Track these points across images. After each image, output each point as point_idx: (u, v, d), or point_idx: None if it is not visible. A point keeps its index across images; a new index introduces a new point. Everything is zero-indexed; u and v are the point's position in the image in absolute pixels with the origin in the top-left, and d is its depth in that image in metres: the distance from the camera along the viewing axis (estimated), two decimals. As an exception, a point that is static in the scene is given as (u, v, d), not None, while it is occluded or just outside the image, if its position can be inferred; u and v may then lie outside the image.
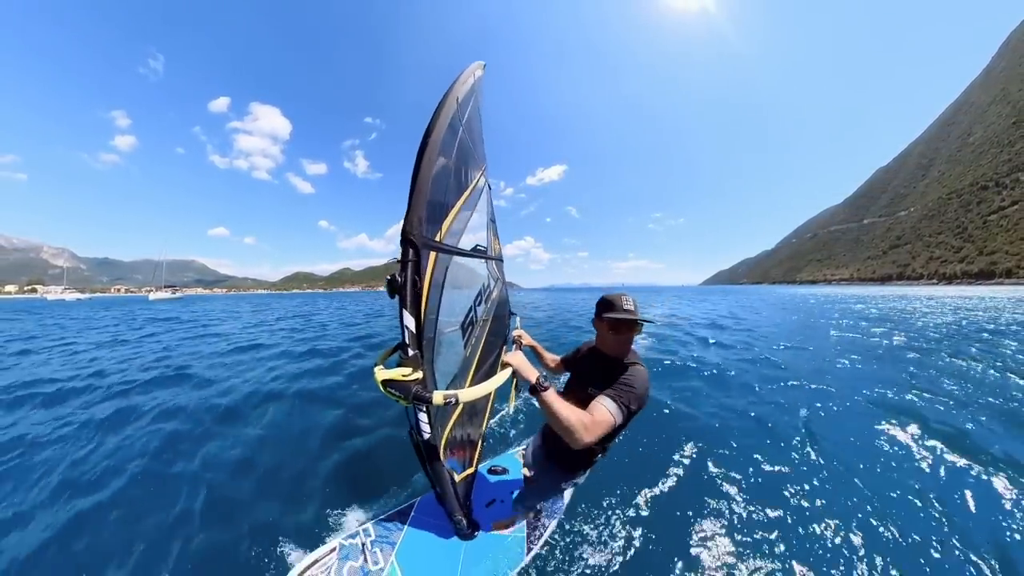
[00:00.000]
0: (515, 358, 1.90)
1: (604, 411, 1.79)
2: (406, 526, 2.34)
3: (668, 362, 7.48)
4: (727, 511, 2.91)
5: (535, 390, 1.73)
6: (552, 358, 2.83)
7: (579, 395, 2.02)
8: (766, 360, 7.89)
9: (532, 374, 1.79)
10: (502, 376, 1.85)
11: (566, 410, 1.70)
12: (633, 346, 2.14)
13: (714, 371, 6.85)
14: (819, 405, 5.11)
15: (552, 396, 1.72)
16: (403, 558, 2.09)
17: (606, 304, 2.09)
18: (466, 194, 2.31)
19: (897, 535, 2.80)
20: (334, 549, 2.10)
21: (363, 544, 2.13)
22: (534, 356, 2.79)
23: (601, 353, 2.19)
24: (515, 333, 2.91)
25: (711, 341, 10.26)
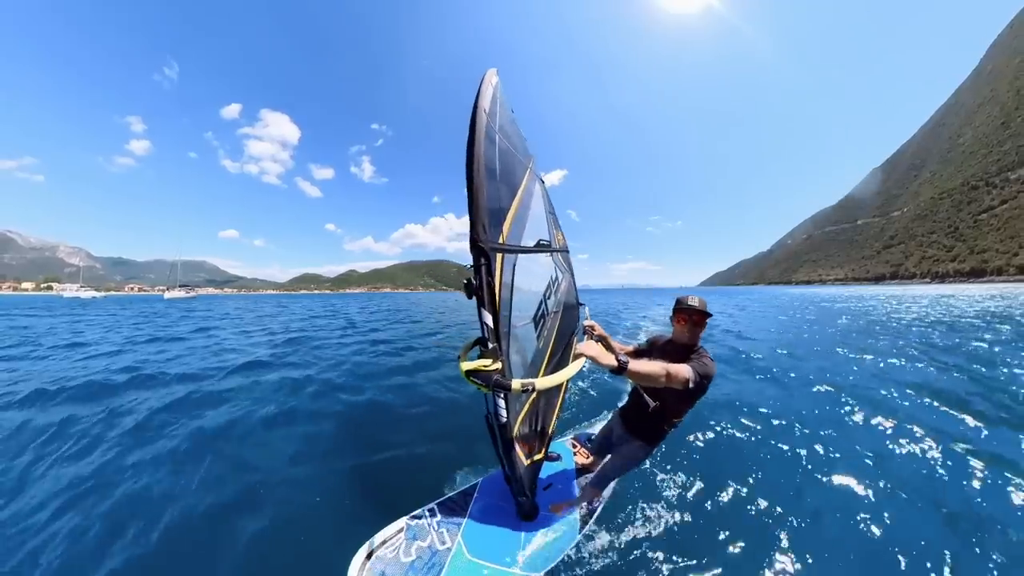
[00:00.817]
0: (590, 347, 1.98)
1: (683, 367, 2.07)
2: (470, 507, 2.41)
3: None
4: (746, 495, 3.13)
5: (620, 370, 1.88)
6: (622, 347, 2.97)
7: None
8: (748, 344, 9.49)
9: (609, 358, 1.90)
10: (576, 366, 1.90)
11: (649, 367, 1.96)
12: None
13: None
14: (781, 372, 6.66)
15: (636, 365, 1.92)
16: (469, 537, 2.15)
17: (676, 302, 2.47)
18: (519, 194, 2.38)
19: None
20: (401, 529, 2.15)
21: (429, 524, 2.20)
22: (607, 347, 2.85)
23: (676, 343, 2.50)
24: (586, 323, 2.97)
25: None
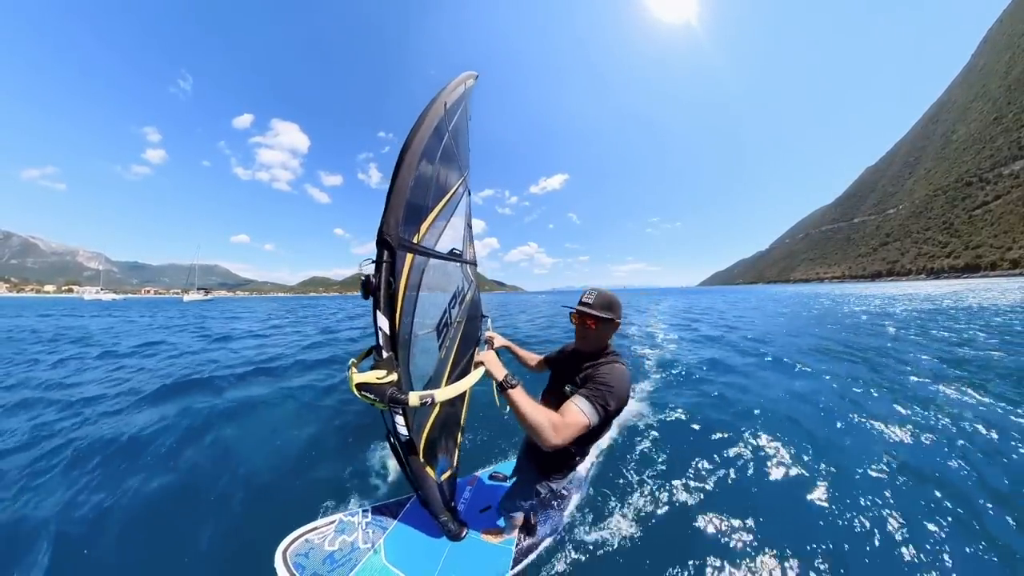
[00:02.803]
0: (487, 357, 1.85)
1: (577, 412, 1.62)
2: (400, 515, 2.37)
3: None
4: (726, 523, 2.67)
5: (502, 387, 1.66)
6: (532, 357, 2.63)
7: (557, 393, 1.95)
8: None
9: (500, 372, 1.72)
10: (476, 375, 1.80)
11: (532, 409, 1.58)
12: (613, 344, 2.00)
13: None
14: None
15: (518, 394, 1.61)
16: (390, 544, 2.13)
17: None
18: (446, 198, 2.22)
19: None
20: (333, 522, 2.17)
21: (359, 523, 2.21)
22: (511, 357, 2.66)
23: (578, 350, 2.04)
24: (487, 334, 2.84)
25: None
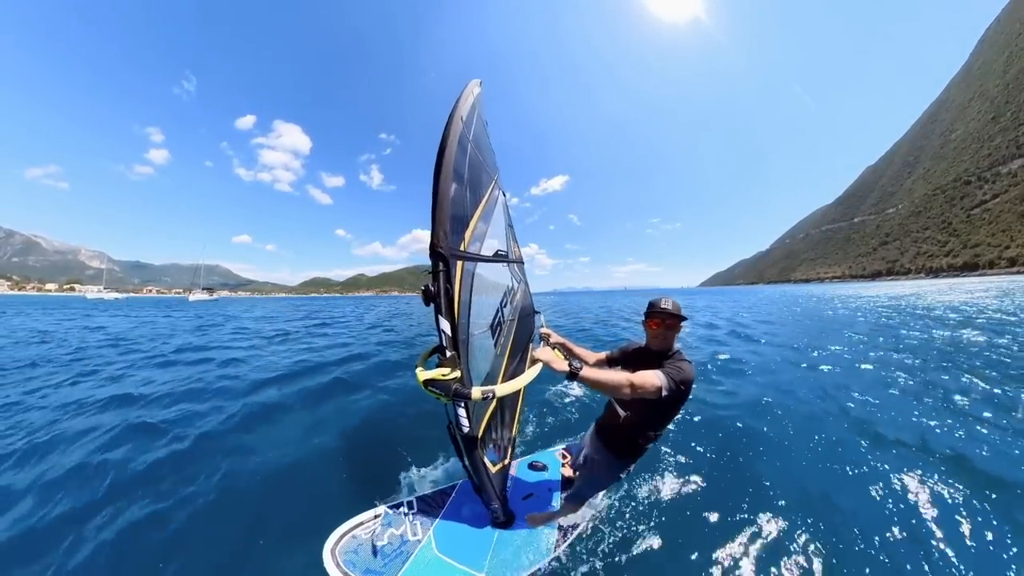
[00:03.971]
0: (544, 353, 1.91)
1: (652, 374, 1.83)
2: (446, 504, 2.40)
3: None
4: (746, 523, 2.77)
5: (572, 376, 1.75)
6: (589, 354, 2.66)
7: None
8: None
9: (563, 364, 1.80)
10: (534, 371, 1.86)
11: (607, 376, 1.78)
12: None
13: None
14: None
15: (589, 372, 1.77)
16: (440, 533, 2.15)
17: (649, 306, 2.18)
18: (483, 204, 2.33)
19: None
20: (379, 516, 2.19)
21: (406, 515, 2.20)
22: (566, 353, 2.70)
23: (650, 349, 2.24)
24: (542, 330, 2.87)
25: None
